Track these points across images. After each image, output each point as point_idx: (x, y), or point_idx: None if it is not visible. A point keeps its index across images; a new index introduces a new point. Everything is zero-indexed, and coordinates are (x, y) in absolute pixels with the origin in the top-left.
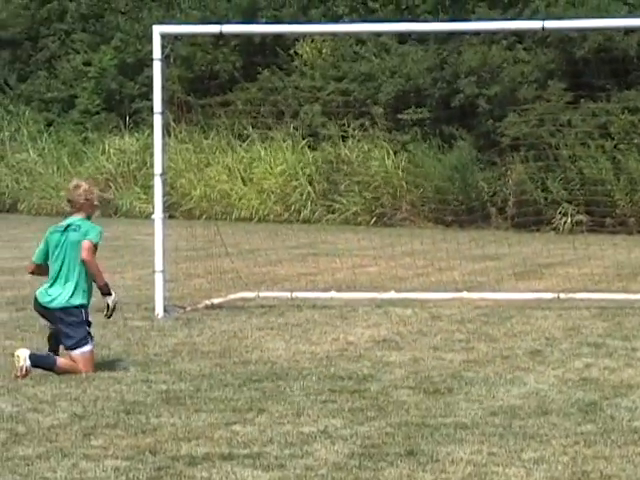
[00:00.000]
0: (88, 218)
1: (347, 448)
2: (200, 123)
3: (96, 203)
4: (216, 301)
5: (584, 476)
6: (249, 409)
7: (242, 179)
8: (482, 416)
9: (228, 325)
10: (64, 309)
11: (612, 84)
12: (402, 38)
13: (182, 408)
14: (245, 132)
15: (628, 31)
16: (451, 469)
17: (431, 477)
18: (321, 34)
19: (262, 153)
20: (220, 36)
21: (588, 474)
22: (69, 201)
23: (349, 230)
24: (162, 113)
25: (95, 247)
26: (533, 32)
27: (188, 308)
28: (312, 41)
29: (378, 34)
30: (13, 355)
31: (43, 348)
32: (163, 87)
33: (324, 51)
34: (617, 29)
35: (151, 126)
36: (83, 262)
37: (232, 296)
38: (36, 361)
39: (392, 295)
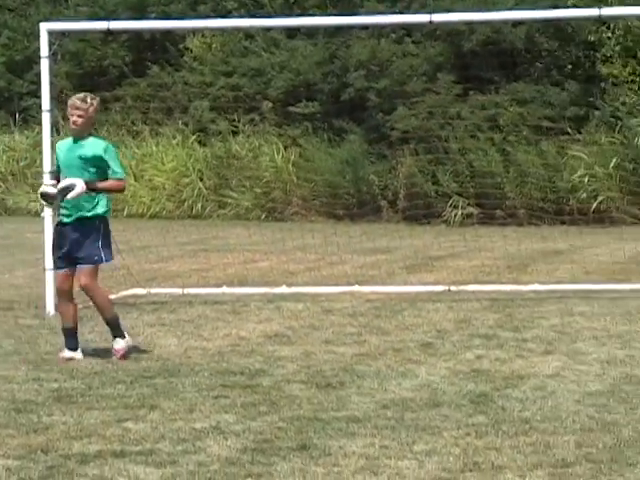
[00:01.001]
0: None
1: (239, 443)
2: None
3: None
4: None
5: (475, 467)
6: (141, 406)
7: (133, 175)
8: (374, 409)
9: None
10: None
11: (500, 76)
12: (291, 33)
13: (74, 406)
14: (135, 128)
15: (516, 23)
16: (344, 462)
17: (323, 471)
18: (210, 29)
19: (153, 149)
20: (108, 32)
21: (479, 465)
22: None
23: (240, 225)
24: (51, 111)
25: None
26: (421, 25)
27: (79, 305)
28: (202, 36)
29: (267, 29)
30: None
31: None
32: (51, 84)
33: (213, 46)
34: (505, 21)
35: (40, 124)
36: None
37: (123, 293)
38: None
39: (284, 290)
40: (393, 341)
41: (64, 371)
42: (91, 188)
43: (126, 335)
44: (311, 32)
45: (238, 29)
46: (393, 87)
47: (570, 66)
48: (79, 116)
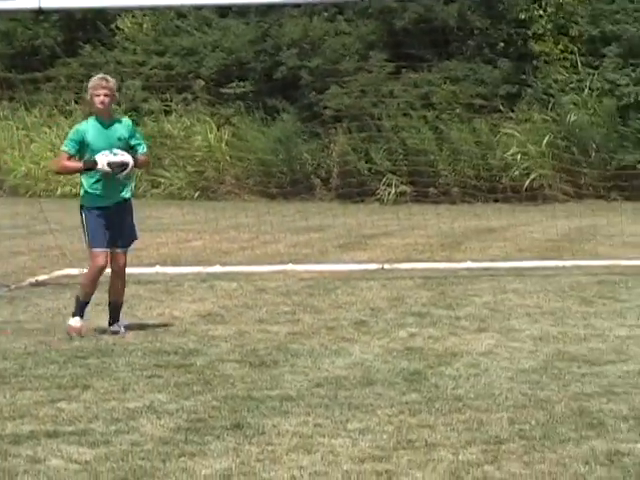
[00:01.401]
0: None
1: (173, 423)
2: (23, 99)
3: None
4: (40, 278)
5: (409, 445)
6: (74, 386)
7: None
8: (308, 388)
9: (53, 302)
10: None
11: (433, 54)
12: (223, 11)
13: (6, 387)
14: (68, 108)
15: (448, 1)
16: (277, 441)
17: (257, 449)
18: (141, 9)
19: None
20: (39, 12)
21: (413, 443)
22: None
23: (174, 205)
24: None
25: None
26: (354, 3)
27: (12, 286)
28: (133, 16)
29: (199, 8)
30: None
31: None
32: None
33: (145, 26)
34: None
35: None
36: None
37: (57, 273)
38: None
39: (217, 269)
40: (327, 319)
41: None
42: (136, 165)
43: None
44: (243, 11)
45: (170, 8)
46: (326, 66)
47: (502, 44)
48: (106, 95)
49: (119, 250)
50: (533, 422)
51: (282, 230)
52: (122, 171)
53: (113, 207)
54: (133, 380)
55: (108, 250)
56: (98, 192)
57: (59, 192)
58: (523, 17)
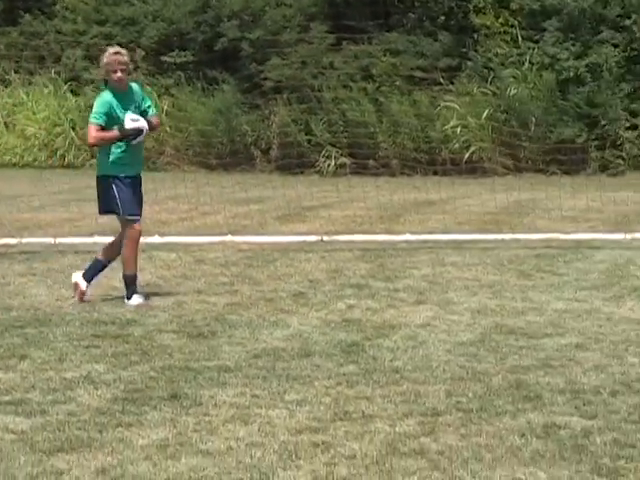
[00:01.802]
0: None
1: (110, 393)
2: None
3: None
4: None
5: (346, 416)
6: (11, 355)
7: (5, 125)
8: (245, 359)
9: None
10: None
11: (373, 27)
12: None
13: None
14: (7, 77)
15: None
16: (214, 412)
17: (194, 420)
18: None
19: (25, 98)
20: None
21: (350, 414)
22: None
23: None
24: None
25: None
26: None
27: None
28: None
29: None
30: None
31: None
32: None
33: None
34: None
35: None
36: None
37: None
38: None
39: (156, 239)
40: (265, 291)
41: None
42: (150, 128)
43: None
44: None
45: None
46: (266, 37)
47: (443, 17)
48: (122, 70)
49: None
50: (470, 394)
51: (221, 201)
52: (137, 136)
53: (138, 176)
54: (70, 350)
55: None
56: (127, 161)
57: None
58: None
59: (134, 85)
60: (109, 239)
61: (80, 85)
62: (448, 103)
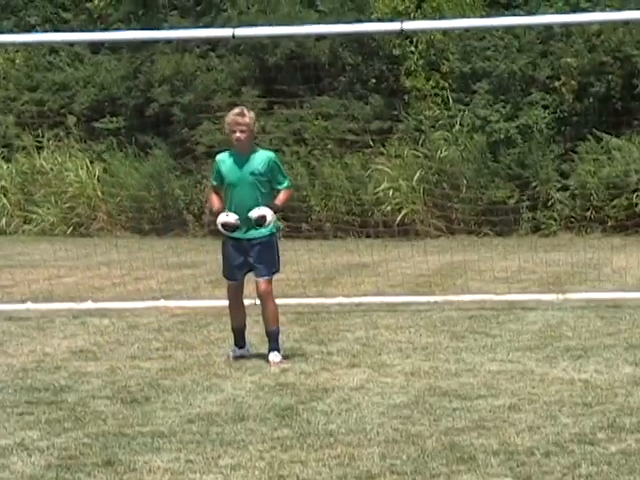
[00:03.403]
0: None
1: (44, 460)
2: None
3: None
4: None
5: None
6: None
7: None
8: (179, 424)
9: None
10: None
11: (305, 90)
12: (95, 48)
13: None
14: None
15: (319, 38)
16: (149, 477)
17: None
18: (13, 45)
19: None
20: None
21: (285, 478)
22: None
23: (45, 241)
24: None
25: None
26: (226, 40)
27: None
28: (5, 52)
29: (71, 44)
30: None
31: None
32: None
33: (17, 61)
34: (308, 36)
35: None
36: None
37: None
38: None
39: (89, 305)
40: (199, 356)
41: None
42: (275, 211)
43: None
44: (115, 47)
45: (42, 44)
46: (198, 102)
47: (374, 80)
48: (242, 132)
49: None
50: (404, 457)
51: (154, 266)
52: (234, 230)
53: (252, 240)
54: (4, 417)
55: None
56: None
57: None
58: (395, 53)
59: (265, 153)
60: (42, 305)
61: (12, 151)
62: (379, 166)
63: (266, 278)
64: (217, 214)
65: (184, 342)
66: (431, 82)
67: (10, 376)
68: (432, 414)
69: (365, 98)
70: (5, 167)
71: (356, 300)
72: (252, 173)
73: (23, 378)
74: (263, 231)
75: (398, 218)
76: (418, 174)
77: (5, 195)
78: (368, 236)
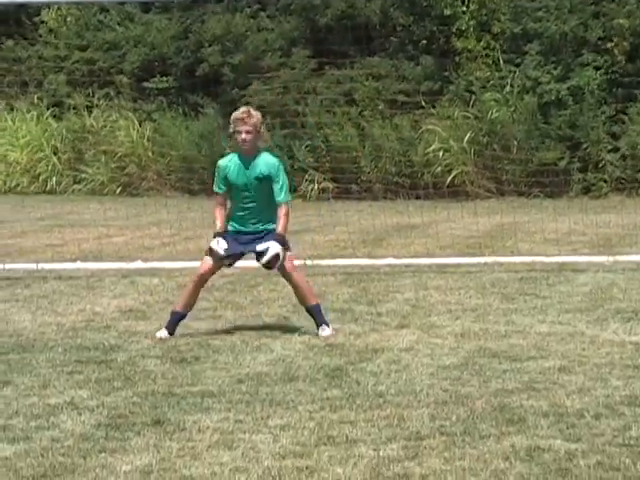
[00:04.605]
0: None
1: (93, 419)
2: None
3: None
4: None
5: (330, 441)
6: None
7: None
8: (229, 384)
9: None
10: None
11: (355, 51)
12: (146, 7)
13: None
14: None
15: None
16: (198, 437)
17: (178, 445)
18: (65, 3)
19: (7, 124)
20: None
21: (334, 439)
22: None
23: (95, 200)
24: None
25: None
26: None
27: None
28: (58, 9)
29: (122, 3)
30: None
31: None
32: None
33: (69, 19)
34: None
35: None
36: None
37: None
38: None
39: (139, 265)
40: (248, 316)
41: None
42: (282, 239)
43: None
44: (166, 6)
45: (93, 3)
46: (248, 62)
47: (425, 41)
48: (247, 132)
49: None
50: (454, 418)
51: (204, 226)
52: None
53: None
54: (54, 376)
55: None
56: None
57: None
58: (446, 14)
59: (268, 157)
60: (92, 265)
61: (63, 110)
62: (430, 127)
63: (289, 254)
64: (216, 235)
65: (234, 302)
66: (482, 43)
67: (60, 335)
68: (482, 375)
69: (416, 59)
70: (55, 126)
71: (406, 261)
72: (256, 178)
73: (73, 337)
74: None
75: (448, 179)
76: (468, 135)
77: (55, 154)
78: (418, 197)
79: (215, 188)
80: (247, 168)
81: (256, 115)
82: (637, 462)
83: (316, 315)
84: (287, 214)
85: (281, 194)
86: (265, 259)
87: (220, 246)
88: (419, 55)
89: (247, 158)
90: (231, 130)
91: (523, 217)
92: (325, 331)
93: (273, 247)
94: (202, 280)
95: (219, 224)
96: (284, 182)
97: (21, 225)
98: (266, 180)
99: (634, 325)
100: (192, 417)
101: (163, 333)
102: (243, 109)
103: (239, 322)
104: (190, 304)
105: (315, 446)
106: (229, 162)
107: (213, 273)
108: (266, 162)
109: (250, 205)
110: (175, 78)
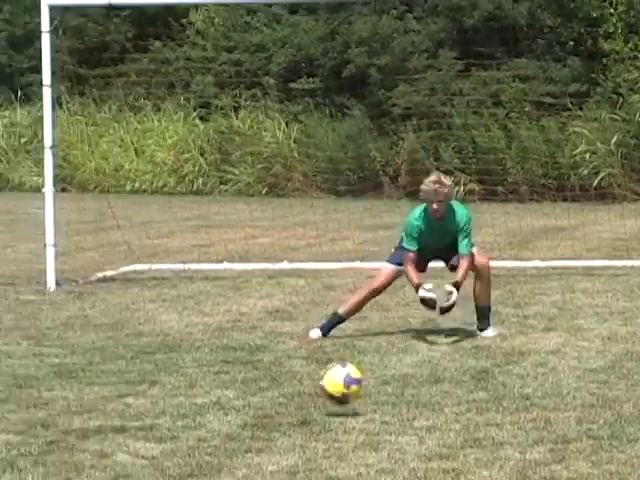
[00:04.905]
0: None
1: (240, 419)
2: (93, 95)
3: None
4: (108, 274)
5: (476, 443)
6: (142, 381)
7: (135, 151)
8: (374, 385)
9: (121, 298)
10: None
11: (502, 52)
12: (293, 8)
13: (74, 381)
14: (137, 104)
15: None
16: (344, 438)
17: (324, 446)
18: (213, 4)
19: (155, 124)
20: (110, 7)
21: (480, 441)
22: None
23: (241, 201)
24: (51, 86)
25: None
26: (423, 1)
27: (80, 281)
28: (206, 9)
29: (269, 4)
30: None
31: None
32: (53, 59)
33: (216, 21)
34: None
35: (42, 99)
36: None
37: (124, 269)
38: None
39: (285, 266)
40: (394, 317)
41: (65, 346)
42: (458, 287)
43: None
44: (313, 8)
45: (240, 4)
46: (394, 63)
47: (572, 42)
48: (440, 201)
49: None
50: (601, 422)
51: (350, 227)
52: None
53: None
54: (200, 376)
55: None
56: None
57: (128, 188)
58: (594, 15)
59: (460, 212)
60: (238, 265)
61: (209, 112)
62: (577, 129)
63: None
64: (417, 288)
65: (380, 304)
66: (630, 45)
67: (207, 335)
68: (629, 379)
69: (563, 60)
70: (202, 127)
71: (552, 264)
72: (452, 235)
73: (219, 337)
74: None
75: (595, 181)
76: (616, 137)
77: (202, 155)
78: (564, 199)
79: (406, 245)
80: (441, 230)
81: (447, 184)
82: None
83: (487, 316)
84: (469, 266)
85: (467, 246)
86: (447, 304)
87: (429, 293)
88: (566, 57)
89: (440, 222)
90: (421, 197)
91: None
92: (489, 332)
93: (454, 295)
94: (375, 292)
95: (416, 280)
96: (469, 233)
97: (168, 225)
98: (458, 233)
99: None
100: (338, 418)
101: (317, 333)
102: (434, 178)
103: (385, 323)
104: (354, 313)
105: (461, 448)
106: (421, 222)
107: (389, 285)
108: (457, 217)
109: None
110: (322, 79)
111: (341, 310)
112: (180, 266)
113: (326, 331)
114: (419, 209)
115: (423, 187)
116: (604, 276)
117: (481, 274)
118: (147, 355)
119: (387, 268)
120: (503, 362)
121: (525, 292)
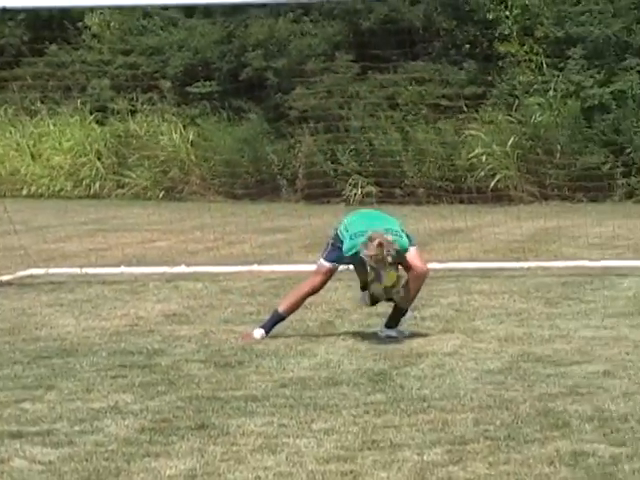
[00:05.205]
0: None
1: (137, 423)
2: None
3: None
4: (5, 278)
5: (374, 445)
6: (38, 386)
7: (31, 155)
8: (272, 388)
9: (17, 302)
10: None
11: (398, 55)
12: (189, 11)
13: None
14: (33, 108)
15: (414, 2)
16: (242, 441)
17: (222, 450)
18: (108, 7)
19: (51, 128)
20: (4, 10)
21: (378, 443)
22: None
23: (138, 205)
24: None
25: None
26: (319, 4)
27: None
28: (101, 13)
29: (165, 7)
30: None
31: None
32: None
33: (112, 24)
34: None
35: None
36: None
37: (21, 273)
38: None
39: (182, 269)
40: (292, 320)
41: None
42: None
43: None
44: (209, 11)
45: (136, 7)
46: (291, 66)
47: (468, 45)
48: (378, 261)
49: None
50: (498, 422)
51: (248, 231)
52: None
53: None
54: (97, 380)
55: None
56: None
57: (24, 192)
58: (489, 18)
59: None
60: (136, 269)
61: (106, 115)
62: (473, 131)
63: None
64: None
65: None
66: (525, 47)
67: (104, 339)
68: (526, 380)
69: (459, 63)
70: (99, 131)
71: (449, 265)
72: None
73: (117, 341)
74: None
75: (492, 184)
76: (512, 139)
77: (99, 159)
78: (461, 201)
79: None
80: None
81: (389, 250)
82: None
83: (401, 319)
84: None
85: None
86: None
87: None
88: (462, 59)
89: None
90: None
91: (566, 221)
92: (392, 332)
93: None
94: (314, 290)
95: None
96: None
97: (65, 230)
98: None
99: None
100: (236, 421)
101: (260, 333)
102: (378, 239)
103: (283, 326)
104: (293, 311)
105: (359, 450)
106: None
107: (327, 282)
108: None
109: None
110: (218, 82)
111: (281, 309)
112: (77, 270)
113: (268, 329)
114: (363, 238)
115: (365, 251)
116: (501, 277)
117: (416, 278)
118: (44, 360)
119: (324, 266)
120: (401, 364)
121: (422, 294)
